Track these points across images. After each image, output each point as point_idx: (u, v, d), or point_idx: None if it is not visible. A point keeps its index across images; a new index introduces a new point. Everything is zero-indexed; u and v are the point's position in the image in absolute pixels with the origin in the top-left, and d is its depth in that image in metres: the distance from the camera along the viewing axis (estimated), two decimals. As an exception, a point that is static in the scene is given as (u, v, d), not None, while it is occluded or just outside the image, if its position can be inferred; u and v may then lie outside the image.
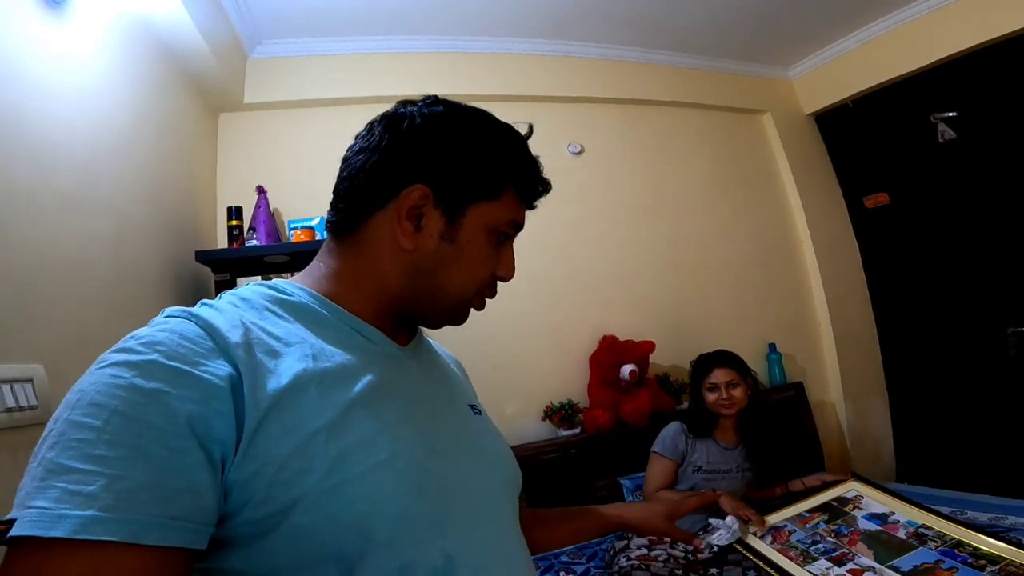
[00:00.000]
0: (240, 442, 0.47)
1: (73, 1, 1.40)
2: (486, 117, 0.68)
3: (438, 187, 0.63)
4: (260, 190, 2.21)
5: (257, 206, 2.18)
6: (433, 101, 0.68)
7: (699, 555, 1.67)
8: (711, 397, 1.98)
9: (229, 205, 2.18)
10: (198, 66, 2.07)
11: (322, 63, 2.50)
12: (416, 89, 2.51)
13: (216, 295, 0.61)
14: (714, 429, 2.00)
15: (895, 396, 3.13)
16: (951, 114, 2.79)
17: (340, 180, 0.68)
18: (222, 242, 2.24)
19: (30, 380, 1.12)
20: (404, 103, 0.68)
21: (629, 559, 1.71)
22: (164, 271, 1.81)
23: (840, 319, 3.10)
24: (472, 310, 0.70)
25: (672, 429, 2.02)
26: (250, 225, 2.16)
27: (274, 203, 2.25)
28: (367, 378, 0.57)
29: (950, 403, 2.89)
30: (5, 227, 1.11)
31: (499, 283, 0.72)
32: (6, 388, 1.06)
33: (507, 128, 0.69)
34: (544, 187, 0.71)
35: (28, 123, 1.22)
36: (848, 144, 3.30)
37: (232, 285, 1.96)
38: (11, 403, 1.06)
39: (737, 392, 1.96)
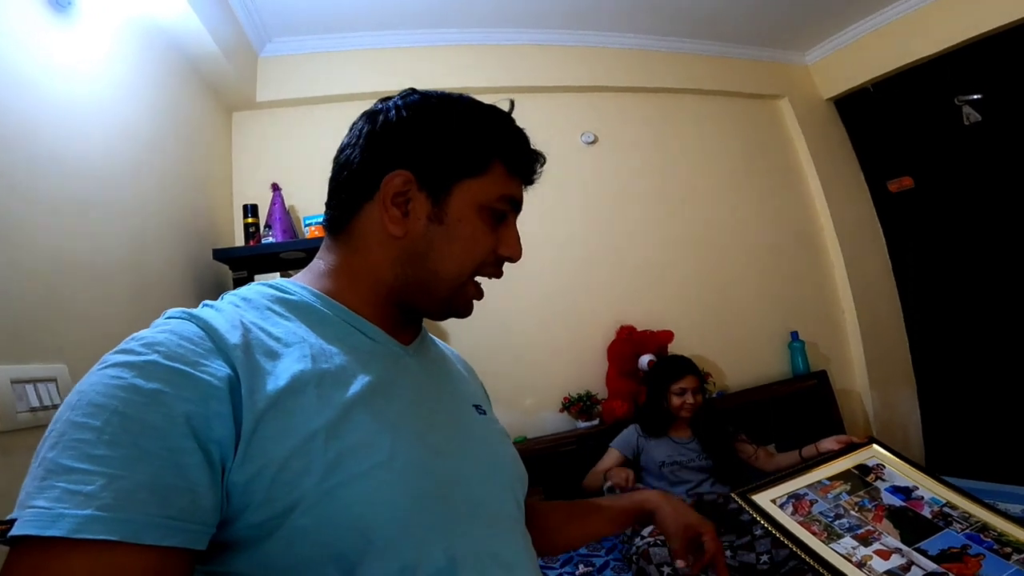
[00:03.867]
0: (239, 444, 0.47)
1: (79, 8, 1.41)
2: (462, 98, 0.68)
3: (420, 169, 0.63)
4: (275, 187, 2.23)
5: (272, 203, 2.20)
6: (409, 92, 0.68)
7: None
8: (677, 400, 2.14)
9: (245, 203, 2.21)
10: (209, 67, 2.08)
11: (332, 59, 2.51)
12: (427, 83, 2.48)
13: (234, 293, 0.62)
14: (669, 428, 2.17)
15: (923, 384, 3.06)
16: (976, 96, 2.71)
17: (330, 179, 0.69)
18: (239, 240, 2.27)
19: (54, 380, 1.15)
20: (383, 99, 0.68)
21: (643, 537, 1.73)
22: (183, 270, 1.83)
23: (865, 306, 3.04)
24: (475, 302, 0.69)
25: (628, 430, 2.22)
26: (266, 223, 2.18)
27: (289, 200, 2.26)
28: (367, 378, 0.57)
29: (981, 391, 2.81)
30: (25, 233, 1.14)
31: (510, 267, 0.70)
32: (30, 388, 1.08)
33: (485, 105, 0.68)
34: (536, 158, 0.69)
35: (44, 132, 1.24)
36: (870, 128, 3.22)
37: (250, 282, 1.97)
38: (35, 403, 1.08)
39: (699, 398, 2.16)
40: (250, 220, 2.17)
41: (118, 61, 1.59)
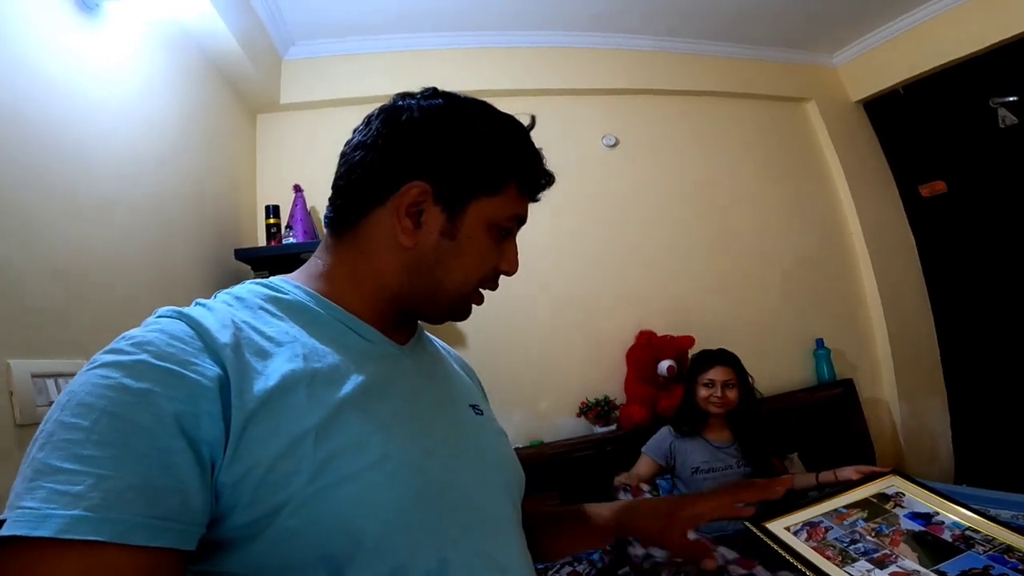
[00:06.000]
0: (228, 443, 0.47)
1: (107, 11, 1.45)
2: (487, 109, 0.66)
3: (438, 183, 0.61)
4: (297, 189, 2.25)
5: (294, 204, 2.23)
6: (432, 93, 0.66)
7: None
8: (704, 392, 2.00)
9: (267, 204, 2.24)
10: (234, 69, 2.12)
11: (355, 62, 2.54)
12: (449, 86, 2.50)
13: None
14: (704, 428, 2.02)
15: (954, 394, 2.97)
16: (1012, 98, 2.63)
17: (338, 176, 0.67)
18: (261, 240, 2.30)
19: (74, 374, 1.17)
20: (402, 95, 0.66)
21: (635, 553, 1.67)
22: (205, 269, 1.87)
23: (894, 313, 2.96)
24: (474, 305, 0.69)
25: (660, 432, 2.07)
26: (287, 223, 2.21)
27: (311, 201, 2.29)
28: (360, 378, 0.56)
29: (1014, 402, 2.71)
30: (48, 229, 1.17)
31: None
32: (51, 382, 1.11)
33: (509, 120, 0.67)
34: (547, 180, 0.69)
35: (70, 131, 1.27)
36: (901, 131, 3.14)
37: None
38: (55, 396, 1.10)
39: (731, 393, 1.99)
40: (272, 221, 2.20)
41: (144, 62, 1.62)
